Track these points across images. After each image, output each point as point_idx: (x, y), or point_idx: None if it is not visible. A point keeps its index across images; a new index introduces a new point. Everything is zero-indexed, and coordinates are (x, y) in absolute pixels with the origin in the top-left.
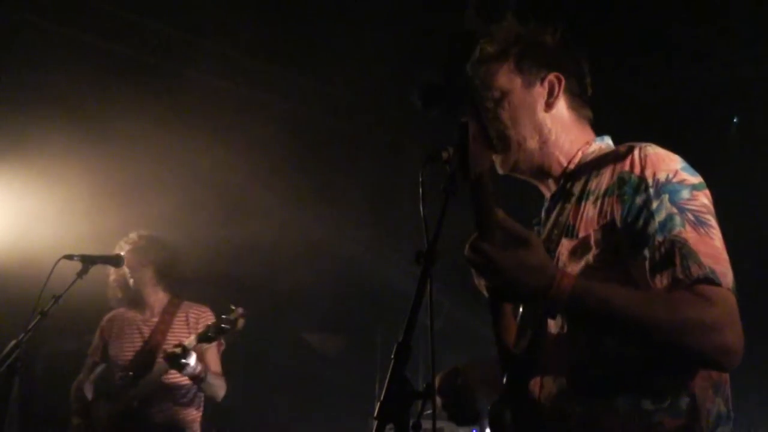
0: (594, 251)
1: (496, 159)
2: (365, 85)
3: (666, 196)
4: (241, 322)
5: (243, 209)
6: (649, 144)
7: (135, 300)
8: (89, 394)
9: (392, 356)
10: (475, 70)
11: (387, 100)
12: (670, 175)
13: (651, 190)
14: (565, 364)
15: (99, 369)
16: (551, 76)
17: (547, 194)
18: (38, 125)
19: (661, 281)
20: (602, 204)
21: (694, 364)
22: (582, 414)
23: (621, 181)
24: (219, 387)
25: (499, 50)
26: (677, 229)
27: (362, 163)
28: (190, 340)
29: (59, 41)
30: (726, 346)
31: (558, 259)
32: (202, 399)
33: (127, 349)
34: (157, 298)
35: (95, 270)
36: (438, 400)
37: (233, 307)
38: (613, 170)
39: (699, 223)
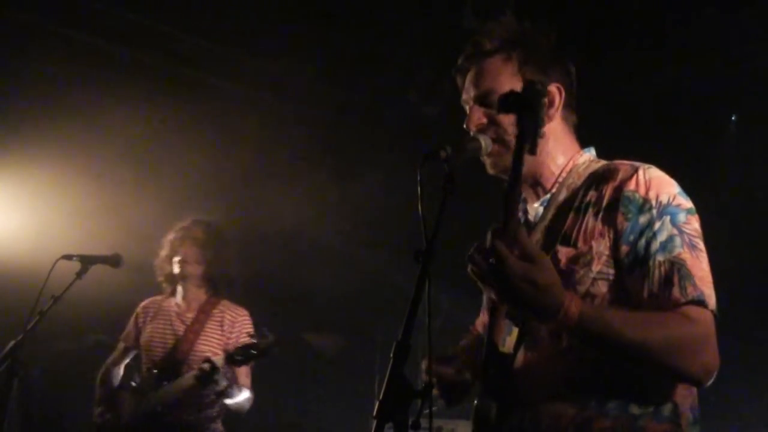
0: (595, 262)
1: (488, 160)
2: (370, 87)
3: (668, 218)
4: (272, 351)
5: (242, 209)
6: (651, 166)
7: (174, 289)
8: (116, 380)
9: (391, 355)
10: (472, 64)
11: (387, 100)
12: (671, 198)
13: (654, 211)
14: (557, 365)
15: (130, 355)
16: (552, 87)
17: (534, 199)
18: (37, 125)
19: (658, 298)
20: (604, 218)
21: (679, 382)
22: (575, 416)
23: (626, 200)
24: (244, 402)
25: (498, 48)
26: (677, 251)
27: (362, 162)
28: (219, 359)
29: (59, 41)
30: (707, 366)
31: (555, 265)
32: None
33: (157, 341)
34: (198, 293)
35: (94, 270)
36: (434, 380)
37: (266, 333)
38: (616, 187)
39: (692, 246)
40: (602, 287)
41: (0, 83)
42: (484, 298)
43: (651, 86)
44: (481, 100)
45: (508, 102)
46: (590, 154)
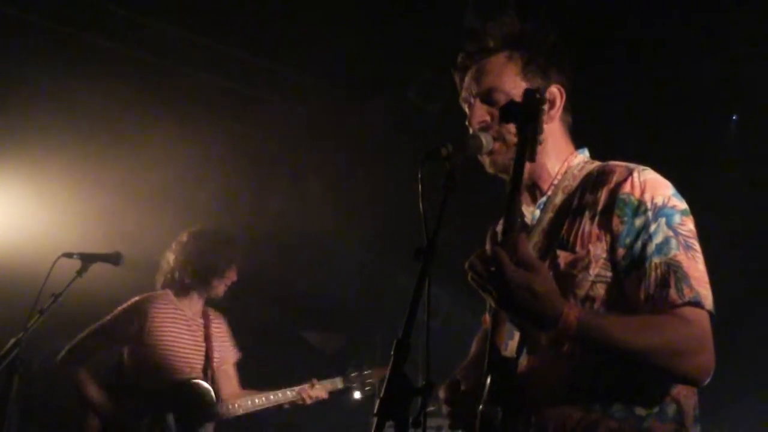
0: (592, 265)
1: (487, 158)
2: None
3: (663, 220)
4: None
5: (242, 208)
6: (645, 168)
7: (180, 291)
8: (92, 385)
9: (392, 353)
10: (474, 62)
11: (387, 101)
12: (665, 200)
13: (650, 213)
14: (560, 369)
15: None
16: (553, 88)
17: (530, 201)
18: (37, 124)
19: (655, 300)
20: (600, 221)
21: (676, 382)
22: (580, 420)
23: (621, 202)
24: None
25: (501, 46)
26: (673, 252)
27: (363, 162)
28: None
29: (58, 40)
30: (704, 367)
31: (554, 270)
32: None
33: (184, 343)
34: (199, 300)
35: (94, 268)
36: (445, 408)
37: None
38: (611, 190)
39: (687, 247)
40: (600, 290)
41: (1, 83)
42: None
43: (651, 86)
44: (484, 97)
45: (510, 113)
46: (584, 155)
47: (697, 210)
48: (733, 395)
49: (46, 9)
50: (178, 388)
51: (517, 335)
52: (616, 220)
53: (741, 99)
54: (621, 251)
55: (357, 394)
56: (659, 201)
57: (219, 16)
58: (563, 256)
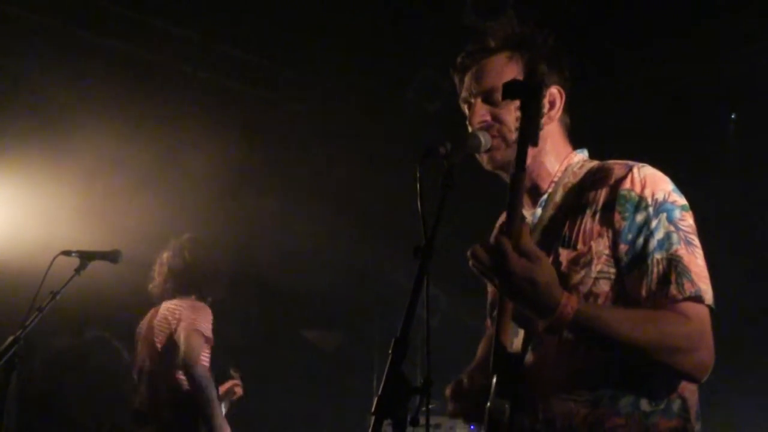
0: (595, 262)
1: (485, 156)
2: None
3: (664, 215)
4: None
5: (241, 208)
6: (644, 164)
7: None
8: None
9: (390, 352)
10: (474, 61)
11: (386, 101)
12: (666, 195)
13: (650, 209)
14: (566, 365)
15: None
16: (554, 89)
17: (530, 204)
18: (38, 123)
19: (656, 295)
20: (601, 218)
21: (676, 378)
22: (587, 414)
23: (622, 198)
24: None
25: (501, 46)
26: (674, 248)
27: (361, 162)
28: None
29: (65, 41)
30: (702, 363)
31: (556, 268)
32: None
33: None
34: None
35: (93, 266)
36: (451, 405)
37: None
38: (611, 186)
39: (688, 242)
40: (604, 286)
41: (1, 83)
42: (488, 303)
43: (651, 85)
44: (485, 97)
45: (513, 89)
46: (583, 155)
47: (697, 210)
48: (734, 395)
49: (45, 7)
50: None
51: (521, 333)
52: (617, 217)
53: (740, 99)
54: (623, 247)
55: None
56: (660, 196)
57: (219, 15)
58: (565, 254)
